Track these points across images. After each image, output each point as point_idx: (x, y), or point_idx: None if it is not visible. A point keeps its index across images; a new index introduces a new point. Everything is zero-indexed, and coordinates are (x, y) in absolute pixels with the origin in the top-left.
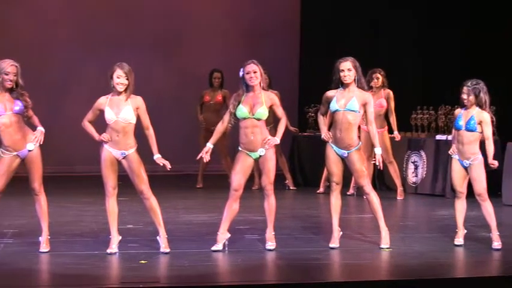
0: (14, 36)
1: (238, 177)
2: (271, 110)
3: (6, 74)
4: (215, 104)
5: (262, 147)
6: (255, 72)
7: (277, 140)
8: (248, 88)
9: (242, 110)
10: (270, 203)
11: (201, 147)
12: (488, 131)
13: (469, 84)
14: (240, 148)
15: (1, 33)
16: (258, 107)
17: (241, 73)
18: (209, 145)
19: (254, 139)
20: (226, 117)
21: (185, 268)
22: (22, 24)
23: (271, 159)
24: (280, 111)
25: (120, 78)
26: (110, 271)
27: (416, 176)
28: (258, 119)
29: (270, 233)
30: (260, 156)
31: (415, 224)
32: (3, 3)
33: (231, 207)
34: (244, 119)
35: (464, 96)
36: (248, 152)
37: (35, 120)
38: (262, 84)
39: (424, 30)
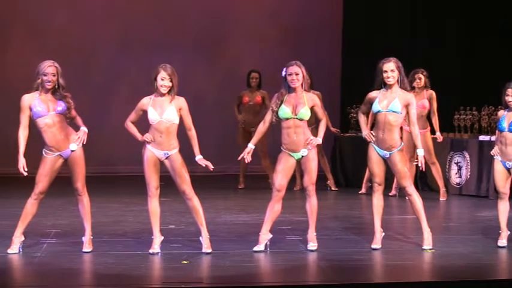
0: (58, 37)
1: (280, 178)
2: (312, 110)
3: (45, 75)
4: (254, 105)
5: (304, 148)
6: (297, 74)
7: (319, 140)
8: (290, 89)
9: (285, 110)
10: (312, 203)
11: (241, 148)
12: None
13: None
14: (282, 149)
15: (45, 34)
16: (300, 107)
17: (283, 73)
18: (250, 146)
19: (297, 139)
20: (268, 117)
21: (227, 268)
22: (65, 25)
23: (314, 159)
24: (321, 113)
25: (164, 80)
26: (151, 271)
27: (460, 177)
28: (301, 119)
29: (311, 234)
30: (302, 156)
31: (458, 225)
32: (47, 4)
33: (273, 208)
34: (287, 119)
35: (508, 98)
36: (290, 153)
37: (79, 120)
38: (304, 86)
39: (468, 30)
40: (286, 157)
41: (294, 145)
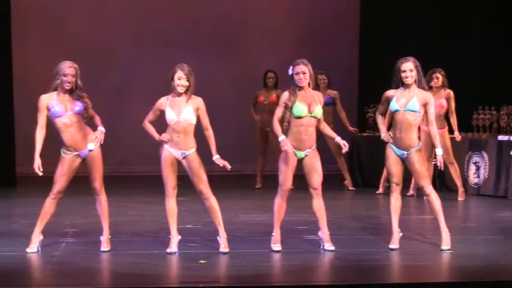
0: (76, 37)
1: (289, 177)
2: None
3: (65, 76)
4: (270, 104)
5: (309, 148)
6: (304, 73)
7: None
8: (297, 87)
9: (299, 108)
10: (322, 203)
11: (257, 148)
12: None
13: None
14: None
15: (61, 33)
16: (314, 106)
17: (290, 71)
18: (283, 136)
19: (306, 139)
20: (279, 113)
21: (244, 268)
22: (83, 25)
23: (318, 157)
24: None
25: (181, 79)
26: (169, 270)
27: (478, 177)
28: (315, 117)
29: (327, 234)
30: (306, 156)
31: (477, 225)
32: (65, 4)
33: (282, 207)
34: (301, 117)
35: None
36: (295, 151)
37: (97, 119)
38: (311, 85)
39: (486, 30)
40: (292, 156)
41: (301, 144)
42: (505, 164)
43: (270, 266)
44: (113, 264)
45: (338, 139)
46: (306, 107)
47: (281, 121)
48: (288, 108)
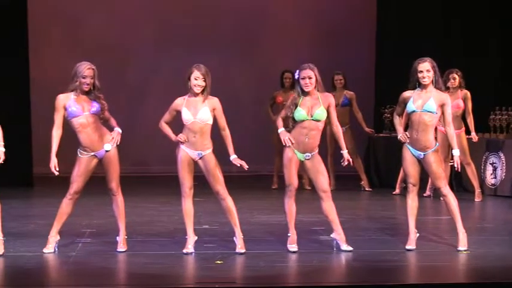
0: (94, 38)
1: (294, 175)
2: (329, 112)
3: (84, 78)
4: None
5: (309, 153)
6: (310, 78)
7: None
8: (304, 92)
9: (300, 112)
10: (332, 205)
11: (276, 148)
12: None
13: None
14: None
15: (82, 34)
16: (315, 108)
17: (296, 76)
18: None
19: (307, 142)
20: (286, 116)
21: (260, 269)
22: (102, 25)
23: (321, 160)
24: (334, 115)
25: (197, 80)
26: (185, 271)
27: (495, 177)
28: (317, 121)
29: (342, 235)
30: (306, 159)
31: (494, 226)
32: (84, 5)
33: (292, 206)
34: (303, 121)
35: None
36: (295, 150)
37: (113, 121)
38: (317, 88)
39: (504, 30)
40: (293, 154)
41: (302, 146)
42: None
43: (286, 267)
44: (129, 264)
45: (344, 152)
46: (306, 110)
47: (284, 121)
48: (289, 117)
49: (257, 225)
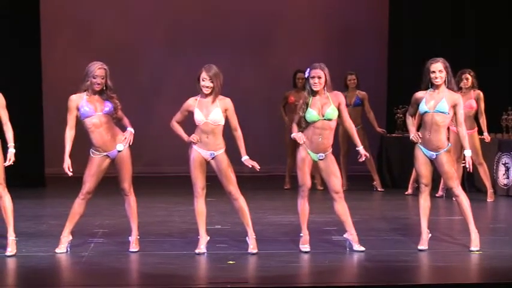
0: (105, 38)
1: (307, 175)
2: (339, 110)
3: (95, 78)
4: None
5: (323, 153)
6: (319, 77)
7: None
8: (313, 91)
9: (312, 113)
10: (345, 205)
11: (288, 149)
12: None
13: None
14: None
15: (92, 34)
16: (326, 107)
17: (306, 74)
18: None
19: (321, 142)
20: (296, 120)
21: (273, 269)
22: (113, 25)
23: (334, 161)
24: (346, 113)
25: (205, 81)
26: (198, 271)
27: (507, 177)
28: (329, 120)
29: (354, 235)
30: (320, 160)
31: (506, 226)
32: (95, 5)
33: (305, 206)
34: (315, 121)
35: None
36: (309, 151)
37: (126, 121)
38: (326, 89)
39: None
40: (307, 154)
41: (316, 146)
42: None
43: (299, 267)
44: (142, 264)
45: (360, 148)
46: (317, 111)
47: (298, 125)
48: (301, 117)
49: (269, 225)
